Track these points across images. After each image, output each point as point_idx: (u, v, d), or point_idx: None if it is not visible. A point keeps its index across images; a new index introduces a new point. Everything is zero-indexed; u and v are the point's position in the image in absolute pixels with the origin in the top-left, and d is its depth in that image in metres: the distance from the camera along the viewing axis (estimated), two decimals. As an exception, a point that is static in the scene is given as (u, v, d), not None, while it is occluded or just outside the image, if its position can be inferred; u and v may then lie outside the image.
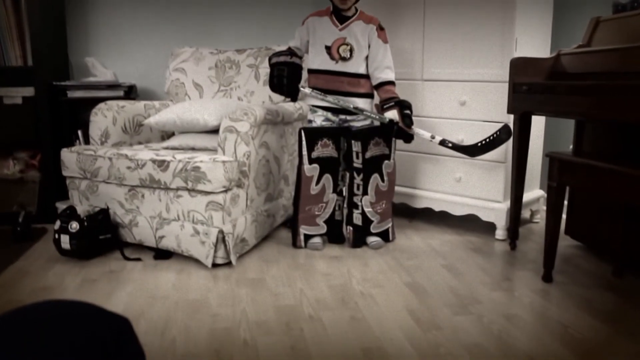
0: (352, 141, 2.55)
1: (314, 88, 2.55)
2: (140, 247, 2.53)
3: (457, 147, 2.47)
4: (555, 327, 1.83)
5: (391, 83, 2.56)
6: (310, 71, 2.63)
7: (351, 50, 2.52)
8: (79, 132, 3.21)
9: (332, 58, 2.54)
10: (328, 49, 2.54)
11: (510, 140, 2.64)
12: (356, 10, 2.58)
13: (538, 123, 2.95)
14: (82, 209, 2.59)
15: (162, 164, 2.34)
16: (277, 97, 3.00)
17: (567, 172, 2.12)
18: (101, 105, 2.84)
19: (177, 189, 2.35)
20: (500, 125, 2.46)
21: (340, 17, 2.55)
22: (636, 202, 1.81)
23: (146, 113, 3.00)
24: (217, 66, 3.21)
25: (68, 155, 2.60)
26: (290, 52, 2.59)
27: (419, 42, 2.99)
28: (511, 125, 2.61)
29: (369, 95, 2.63)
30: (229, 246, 2.33)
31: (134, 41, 3.59)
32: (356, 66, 2.55)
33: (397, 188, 2.76)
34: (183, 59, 3.28)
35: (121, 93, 3.22)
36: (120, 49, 3.57)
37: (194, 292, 2.09)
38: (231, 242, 2.33)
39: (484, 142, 2.43)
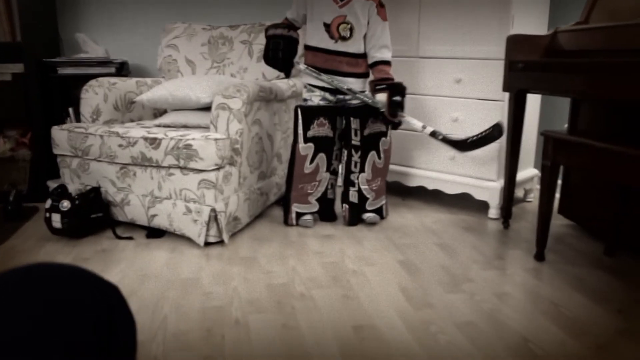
0: (351, 118, 2.52)
1: (310, 66, 2.52)
2: (132, 225, 2.52)
3: (447, 141, 2.44)
4: (546, 306, 1.83)
5: (387, 63, 2.52)
6: (307, 47, 2.56)
7: (351, 29, 2.46)
8: (70, 110, 3.17)
9: (332, 37, 2.47)
10: (327, 26, 2.46)
11: (505, 118, 2.63)
12: None
13: (534, 102, 2.93)
14: (73, 188, 2.58)
15: (154, 142, 2.32)
16: (270, 74, 2.97)
17: (562, 151, 2.10)
18: (92, 82, 2.80)
19: (169, 167, 2.33)
20: (494, 110, 2.45)
21: None
22: (629, 182, 1.80)
23: (138, 90, 2.96)
24: (210, 42, 3.17)
25: (59, 133, 2.57)
26: (288, 25, 2.55)
27: (415, 19, 2.96)
28: (506, 103, 2.60)
29: (366, 75, 2.60)
30: (221, 224, 2.32)
31: (126, 17, 3.54)
32: (356, 46, 2.50)
33: (390, 166, 2.74)
34: (175, 34, 3.24)
35: (113, 70, 3.18)
36: (111, 25, 3.52)
37: (186, 270, 2.09)
38: (223, 221, 2.32)
39: (475, 137, 2.39)
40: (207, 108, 2.60)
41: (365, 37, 2.51)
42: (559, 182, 2.72)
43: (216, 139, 2.26)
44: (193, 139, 2.26)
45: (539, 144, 3.06)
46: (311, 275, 2.05)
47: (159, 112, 3.07)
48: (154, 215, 2.42)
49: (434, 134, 2.44)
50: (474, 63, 2.76)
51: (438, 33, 2.88)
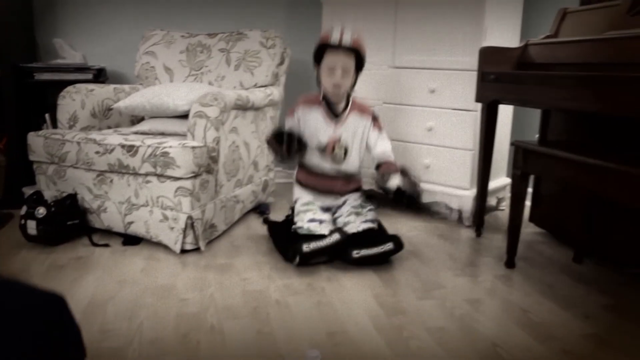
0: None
1: (305, 184, 2.49)
2: (108, 233, 2.52)
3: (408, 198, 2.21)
4: (516, 311, 1.88)
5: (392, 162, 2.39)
6: (301, 165, 2.52)
7: (346, 151, 2.38)
8: (47, 116, 3.16)
9: (326, 158, 2.41)
10: (322, 149, 2.39)
11: (478, 128, 2.69)
12: (348, 99, 2.41)
13: (506, 112, 3.00)
14: (49, 194, 2.57)
15: (131, 149, 2.33)
16: (248, 82, 2.99)
17: (531, 160, 2.16)
18: (69, 88, 2.80)
19: (146, 174, 2.34)
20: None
21: (333, 109, 2.39)
22: (596, 191, 1.87)
23: (116, 97, 2.97)
24: (188, 50, 3.19)
25: (35, 140, 2.57)
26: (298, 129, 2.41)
27: (390, 29, 3.01)
28: (479, 114, 2.66)
29: (359, 189, 2.55)
30: (198, 232, 2.33)
31: (104, 23, 3.53)
32: (350, 165, 2.44)
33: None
34: (154, 42, 3.25)
35: (90, 76, 3.17)
36: (89, 31, 3.51)
37: (162, 277, 2.10)
38: (200, 228, 2.34)
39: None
40: (184, 116, 2.61)
41: (365, 145, 2.45)
42: (530, 190, 2.79)
43: (193, 147, 2.28)
44: (170, 146, 2.28)
45: (511, 154, 3.12)
46: (287, 282, 2.07)
47: (136, 119, 3.07)
48: (130, 223, 2.42)
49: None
50: (448, 73, 2.81)
51: (413, 43, 2.93)
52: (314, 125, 2.39)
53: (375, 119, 2.44)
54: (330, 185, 2.47)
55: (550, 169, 2.08)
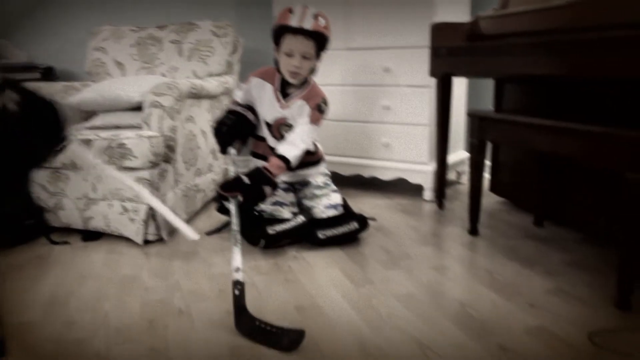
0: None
1: (255, 153, 2.41)
2: (67, 230, 2.45)
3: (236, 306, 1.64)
4: (481, 274, 1.91)
5: (281, 158, 2.15)
6: (255, 136, 2.41)
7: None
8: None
9: (273, 135, 2.32)
10: (269, 126, 2.32)
11: (434, 103, 2.72)
12: (307, 83, 2.29)
13: (461, 90, 3.05)
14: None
15: (86, 143, 2.27)
16: (202, 72, 2.96)
17: (487, 128, 2.20)
18: (16, 87, 2.71)
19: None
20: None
21: (284, 89, 2.28)
22: (550, 151, 1.90)
23: (67, 94, 2.90)
24: (138, 43, 3.14)
25: (-17, 140, 2.48)
26: (249, 107, 2.33)
27: (342, 11, 3.01)
28: (434, 89, 2.69)
29: (317, 162, 2.43)
30: (160, 222, 2.29)
31: (49, 21, 3.45)
32: None
33: (326, 157, 2.77)
34: (103, 37, 3.19)
35: (38, 75, 3.10)
36: (34, 30, 3.42)
37: (126, 268, 2.05)
38: (161, 218, 2.30)
39: (263, 327, 1.55)
40: (138, 108, 2.56)
41: None
42: (489, 163, 2.84)
43: (150, 137, 2.24)
44: (126, 137, 2.23)
45: (469, 128, 3.17)
46: (253, 264, 2.06)
47: (89, 116, 3.00)
48: (89, 218, 2.37)
49: (235, 284, 1.65)
50: (401, 51, 2.84)
51: (366, 24, 2.94)
52: (264, 101, 2.30)
53: (318, 110, 2.26)
54: None
55: (506, 134, 2.11)
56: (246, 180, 2.04)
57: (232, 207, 1.97)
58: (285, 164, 2.14)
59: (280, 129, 2.29)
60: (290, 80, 2.23)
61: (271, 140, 2.32)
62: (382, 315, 1.62)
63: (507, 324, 1.55)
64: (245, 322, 1.57)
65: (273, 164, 2.12)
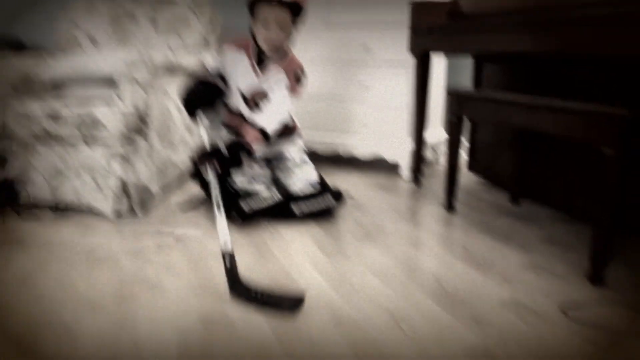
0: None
1: (228, 126, 2.33)
2: (37, 205, 2.39)
3: (229, 272, 1.64)
4: (457, 249, 1.91)
5: (259, 130, 2.09)
6: (225, 105, 2.33)
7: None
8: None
9: (248, 106, 2.25)
10: (244, 97, 2.25)
11: (413, 81, 2.71)
12: (284, 53, 2.24)
13: (440, 67, 3.04)
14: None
15: (56, 116, 2.21)
16: (177, 48, 2.90)
17: (466, 105, 2.19)
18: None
19: (74, 140, 2.23)
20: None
21: (261, 59, 2.22)
22: (528, 127, 1.90)
23: (37, 67, 2.81)
24: (112, 17, 3.06)
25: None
26: (219, 75, 2.25)
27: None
28: (413, 67, 2.67)
29: (289, 132, 2.35)
30: (133, 197, 2.25)
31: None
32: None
33: (304, 135, 2.73)
34: (75, 11, 3.10)
35: (6, 48, 3.00)
36: (4, 1, 3.32)
37: (97, 243, 2.01)
38: (134, 193, 2.25)
39: (262, 295, 1.56)
40: (112, 82, 2.50)
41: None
42: (467, 143, 2.83)
43: (122, 110, 2.19)
44: (99, 111, 2.18)
45: (447, 109, 3.17)
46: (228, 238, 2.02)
47: (60, 90, 2.92)
48: (59, 192, 2.31)
49: (224, 256, 1.66)
50: (381, 30, 2.81)
51: (345, 1, 2.91)
52: (239, 72, 2.25)
53: (295, 80, 2.23)
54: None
55: (484, 111, 2.10)
56: (224, 151, 1.99)
57: (211, 177, 1.93)
58: (263, 136, 2.10)
59: (256, 99, 2.24)
60: (267, 50, 2.18)
61: (247, 113, 2.27)
62: (356, 289, 1.61)
63: (481, 297, 1.55)
64: (242, 292, 1.57)
65: (251, 136, 2.07)
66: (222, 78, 2.25)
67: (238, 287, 1.59)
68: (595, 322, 1.40)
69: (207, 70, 2.27)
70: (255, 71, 2.23)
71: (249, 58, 2.23)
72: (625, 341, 1.32)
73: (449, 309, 1.48)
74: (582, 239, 1.96)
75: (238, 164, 2.04)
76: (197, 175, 2.25)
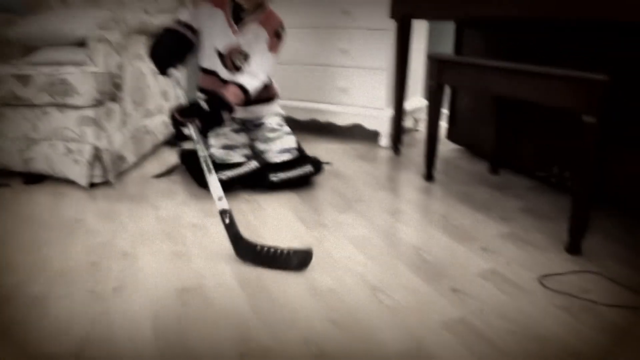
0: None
1: (202, 89, 2.25)
2: (7, 173, 2.31)
3: (230, 231, 1.62)
4: (436, 218, 1.90)
5: (239, 87, 2.02)
6: (200, 68, 2.26)
7: (246, 59, 2.14)
8: None
9: (226, 66, 2.17)
10: (221, 56, 2.16)
11: (392, 47, 2.66)
12: (262, 8, 2.15)
13: (421, 33, 2.99)
14: None
15: (25, 79, 2.13)
16: (152, 9, 2.80)
17: (446, 70, 2.15)
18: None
19: (44, 105, 2.16)
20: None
21: (238, 15, 2.13)
22: (507, 94, 1.87)
23: (5, 29, 2.70)
24: (83, -23, 2.94)
25: None
26: (188, 26, 2.10)
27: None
28: (393, 32, 2.62)
29: (268, 99, 2.32)
30: (106, 164, 2.19)
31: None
32: None
33: (281, 102, 2.67)
34: (44, -31, 2.97)
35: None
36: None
37: (69, 211, 1.96)
38: (108, 160, 2.19)
39: (267, 252, 1.55)
40: (83, 44, 2.41)
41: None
42: (446, 111, 2.81)
43: (94, 72, 2.11)
44: (69, 73, 2.10)
45: (427, 75, 3.13)
46: (202, 207, 1.99)
47: (29, 51, 2.82)
48: (30, 159, 2.24)
49: (222, 214, 1.63)
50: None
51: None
52: (214, 27, 2.14)
53: (276, 36, 2.15)
54: None
55: (465, 77, 2.07)
56: (204, 106, 1.92)
57: (192, 133, 1.87)
58: (243, 93, 2.03)
59: (233, 57, 2.16)
60: (245, 4, 2.10)
61: (223, 72, 2.19)
62: (334, 258, 1.59)
63: (460, 267, 1.54)
64: (246, 248, 1.56)
65: (231, 91, 2.00)
66: (193, 30, 2.12)
67: (241, 243, 1.57)
68: (571, 292, 1.41)
69: (176, 21, 2.13)
70: (232, 28, 2.14)
71: (226, 14, 2.14)
72: (600, 308, 1.33)
73: (428, 279, 1.47)
74: (561, 210, 1.96)
75: (219, 122, 1.97)
76: (178, 131, 2.10)
